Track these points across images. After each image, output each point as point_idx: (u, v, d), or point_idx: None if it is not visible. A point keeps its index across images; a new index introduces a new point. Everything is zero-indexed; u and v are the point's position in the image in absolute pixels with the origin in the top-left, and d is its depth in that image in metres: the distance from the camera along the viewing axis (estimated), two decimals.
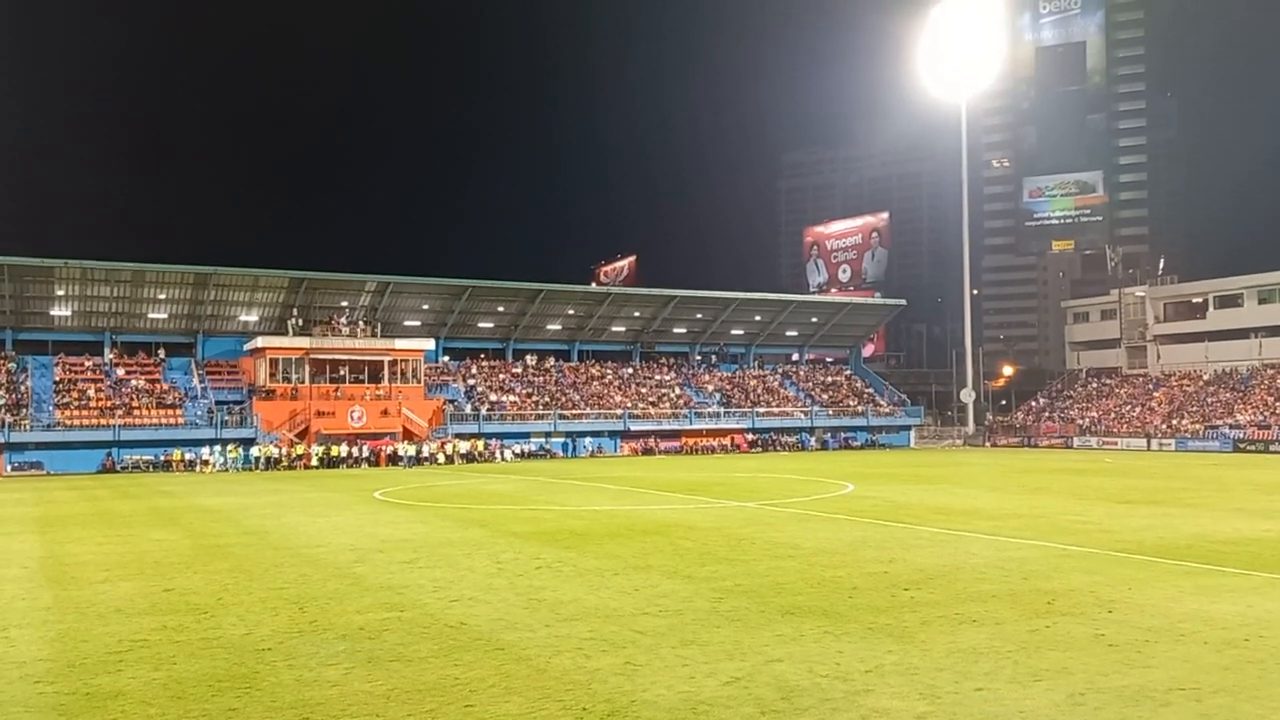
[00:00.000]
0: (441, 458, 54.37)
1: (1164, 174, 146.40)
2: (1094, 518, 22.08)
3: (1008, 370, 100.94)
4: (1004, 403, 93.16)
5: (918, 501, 26.47)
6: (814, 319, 79.54)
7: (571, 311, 71.19)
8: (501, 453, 58.01)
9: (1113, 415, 71.96)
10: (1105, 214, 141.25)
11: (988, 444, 73.34)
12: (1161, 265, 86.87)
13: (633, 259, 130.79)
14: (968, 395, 79.31)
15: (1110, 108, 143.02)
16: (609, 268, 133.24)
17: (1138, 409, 71.74)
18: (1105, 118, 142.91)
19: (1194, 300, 78.26)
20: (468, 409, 61.42)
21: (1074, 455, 58.16)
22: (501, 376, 67.19)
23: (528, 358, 70.40)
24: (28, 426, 50.82)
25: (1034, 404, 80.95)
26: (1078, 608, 11.92)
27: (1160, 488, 31.12)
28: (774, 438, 69.18)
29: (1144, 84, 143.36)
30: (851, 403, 75.10)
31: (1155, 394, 73.20)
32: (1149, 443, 64.45)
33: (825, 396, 75.05)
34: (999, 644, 10.09)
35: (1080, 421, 72.19)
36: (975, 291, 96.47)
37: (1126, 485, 32.38)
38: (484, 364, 68.40)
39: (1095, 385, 79.42)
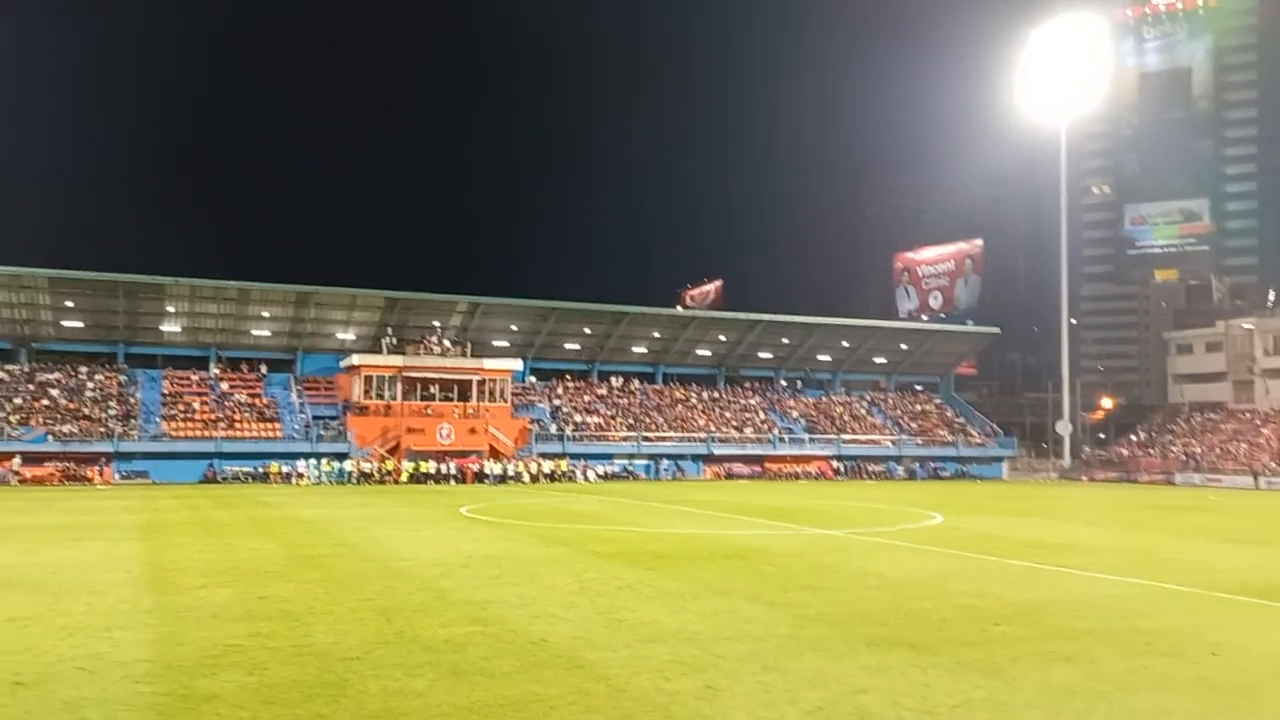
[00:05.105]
0: (526, 476, 54.95)
1: (1274, 202, 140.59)
2: (1196, 556, 21.17)
3: (1106, 403, 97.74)
4: (1102, 436, 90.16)
5: (1009, 534, 25.72)
6: (903, 346, 78.29)
7: (656, 334, 71.40)
8: (585, 473, 58.36)
9: (1217, 451, 69.08)
10: (1211, 243, 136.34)
11: (1084, 478, 71.01)
12: (1271, 297, 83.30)
13: (719, 283, 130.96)
14: (1064, 427, 76.93)
15: (1218, 134, 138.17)
16: (695, 291, 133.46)
17: (1244, 445, 68.74)
18: (1213, 144, 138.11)
19: None
20: (553, 429, 62.00)
21: (1176, 491, 55.92)
22: (586, 397, 67.67)
23: (612, 379, 70.76)
24: (136, 437, 53.02)
25: (1134, 438, 78.16)
26: (1178, 648, 11.43)
27: (1267, 527, 29.70)
28: (860, 465, 68.15)
29: (1256, 110, 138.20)
30: (941, 432, 73.58)
31: (1263, 430, 70.06)
32: (1256, 480, 61.69)
33: (914, 425, 73.67)
34: (1093, 683, 9.74)
35: (1182, 457, 69.45)
36: (1073, 320, 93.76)
37: (1231, 523, 30.98)
38: (569, 384, 69.01)
39: (1199, 420, 76.34)
